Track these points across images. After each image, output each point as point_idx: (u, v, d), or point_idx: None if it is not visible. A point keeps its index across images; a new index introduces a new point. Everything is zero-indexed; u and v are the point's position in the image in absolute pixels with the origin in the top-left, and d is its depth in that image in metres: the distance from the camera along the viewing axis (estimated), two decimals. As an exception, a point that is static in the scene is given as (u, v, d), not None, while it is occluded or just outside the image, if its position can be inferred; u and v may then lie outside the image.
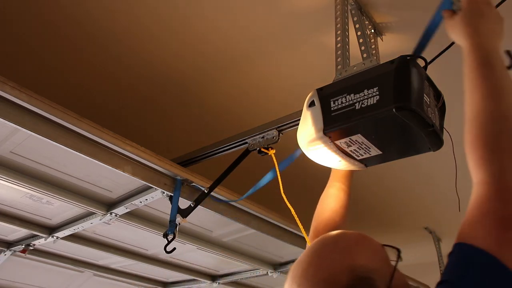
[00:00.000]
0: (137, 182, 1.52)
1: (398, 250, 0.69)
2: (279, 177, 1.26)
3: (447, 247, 3.73)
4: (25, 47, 1.77)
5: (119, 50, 1.78)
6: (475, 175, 0.62)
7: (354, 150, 1.10)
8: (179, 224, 1.53)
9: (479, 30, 0.75)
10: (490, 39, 0.73)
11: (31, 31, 1.68)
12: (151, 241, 2.05)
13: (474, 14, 0.77)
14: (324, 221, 1.12)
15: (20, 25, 1.66)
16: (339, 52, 1.27)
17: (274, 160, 1.32)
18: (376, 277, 0.64)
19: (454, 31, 0.81)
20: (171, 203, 1.54)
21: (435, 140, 1.06)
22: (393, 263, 0.68)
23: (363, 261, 0.65)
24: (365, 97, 1.00)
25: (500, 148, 0.60)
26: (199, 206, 1.57)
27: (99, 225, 1.77)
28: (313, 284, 0.63)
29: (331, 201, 1.17)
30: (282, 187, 1.27)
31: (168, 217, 1.55)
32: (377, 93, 0.98)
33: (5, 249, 2.05)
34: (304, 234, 1.21)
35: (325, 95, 1.10)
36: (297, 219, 1.25)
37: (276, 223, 1.91)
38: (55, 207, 1.69)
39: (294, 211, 1.23)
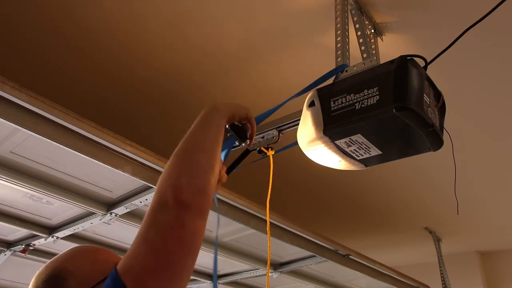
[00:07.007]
0: (137, 182, 1.51)
1: None
2: (271, 178, 1.23)
3: (447, 247, 3.75)
4: (26, 47, 1.77)
5: (120, 50, 1.78)
6: None
7: (354, 150, 1.10)
8: None
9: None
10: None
11: (33, 32, 1.68)
12: (151, 241, 2.03)
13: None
14: None
15: (20, 25, 1.66)
16: (339, 52, 1.27)
17: (271, 161, 1.31)
18: (72, 279, 0.81)
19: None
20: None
21: (435, 140, 1.06)
22: None
23: (65, 265, 0.85)
24: (365, 97, 1.00)
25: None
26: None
27: (99, 225, 1.77)
28: (38, 279, 0.83)
29: None
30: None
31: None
32: (377, 93, 0.98)
33: (5, 249, 2.05)
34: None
35: (325, 95, 1.10)
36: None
37: (276, 223, 1.91)
38: (55, 207, 1.69)
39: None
